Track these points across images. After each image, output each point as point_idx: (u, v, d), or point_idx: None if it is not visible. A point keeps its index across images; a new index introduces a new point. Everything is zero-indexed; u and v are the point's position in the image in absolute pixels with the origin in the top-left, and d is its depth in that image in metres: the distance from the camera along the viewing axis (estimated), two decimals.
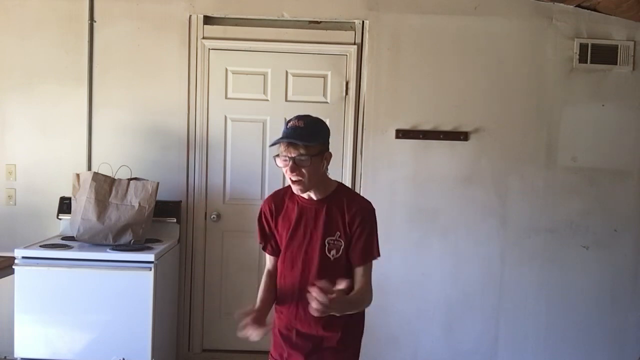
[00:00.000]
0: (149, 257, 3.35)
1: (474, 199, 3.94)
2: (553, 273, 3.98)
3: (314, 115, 2.20)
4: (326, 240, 2.15)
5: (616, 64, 3.89)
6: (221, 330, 4.08)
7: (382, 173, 3.93)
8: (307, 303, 1.95)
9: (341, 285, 1.95)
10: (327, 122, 4.09)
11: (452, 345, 4.01)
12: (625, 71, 3.91)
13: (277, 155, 2.13)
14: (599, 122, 3.94)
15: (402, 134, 3.91)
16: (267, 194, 3.91)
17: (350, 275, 2.15)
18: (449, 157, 3.92)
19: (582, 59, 3.89)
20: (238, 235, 4.04)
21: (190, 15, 3.90)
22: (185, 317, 4.04)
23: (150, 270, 3.33)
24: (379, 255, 2.22)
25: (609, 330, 4.01)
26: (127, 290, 3.34)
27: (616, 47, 3.89)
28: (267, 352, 4.18)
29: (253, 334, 2.08)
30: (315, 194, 2.18)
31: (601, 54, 3.88)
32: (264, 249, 2.34)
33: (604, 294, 4.00)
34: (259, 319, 2.12)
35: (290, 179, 2.11)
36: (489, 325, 4.00)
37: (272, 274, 2.34)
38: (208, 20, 3.94)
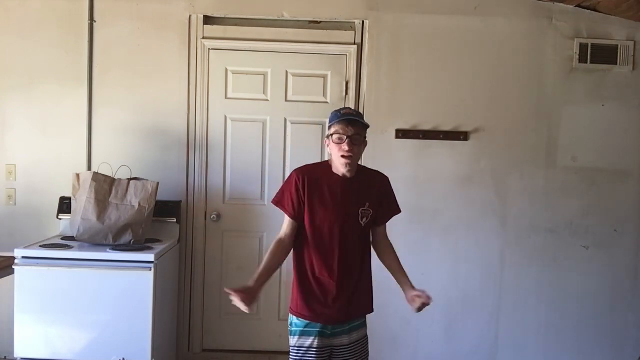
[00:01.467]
0: (149, 257, 3.35)
1: (474, 199, 3.95)
2: (553, 273, 3.98)
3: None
4: (359, 210, 2.50)
5: (616, 64, 3.89)
6: (221, 330, 4.08)
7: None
8: (349, 262, 2.49)
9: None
10: (327, 122, 4.15)
11: (452, 345, 4.01)
12: (625, 71, 3.91)
13: (330, 135, 2.46)
14: (599, 122, 3.94)
15: (402, 134, 3.91)
16: (267, 194, 3.99)
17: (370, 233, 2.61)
18: (449, 157, 3.93)
19: (582, 59, 3.89)
20: (238, 235, 4.04)
21: (190, 15, 3.90)
22: (185, 317, 4.04)
23: (150, 270, 3.33)
24: (400, 210, 2.68)
25: (609, 330, 4.01)
26: (127, 290, 3.34)
27: (616, 47, 3.89)
28: (267, 352, 4.19)
29: (242, 307, 2.30)
30: (350, 173, 2.48)
31: (601, 54, 3.88)
32: (285, 209, 2.52)
33: (604, 294, 4.00)
34: (250, 298, 2.33)
35: (342, 155, 2.42)
36: (489, 325, 4.00)
37: (284, 242, 2.51)
38: (208, 20, 3.94)
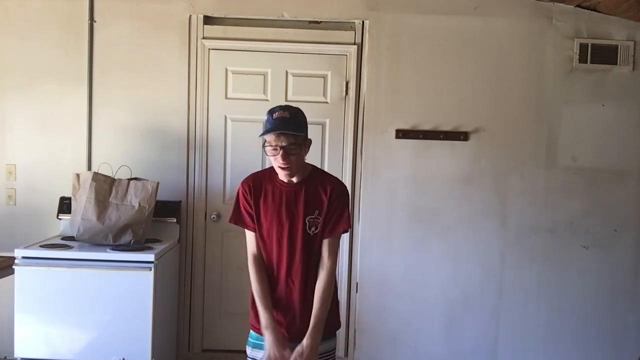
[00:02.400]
0: (149, 257, 3.35)
1: (474, 199, 3.95)
2: (553, 273, 3.98)
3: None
4: (307, 219, 2.35)
5: (616, 64, 3.89)
6: (221, 330, 4.08)
7: (382, 173, 3.93)
8: (296, 276, 2.35)
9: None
10: (327, 122, 4.17)
11: (452, 345, 4.01)
12: (625, 71, 3.91)
13: (264, 145, 2.31)
14: (599, 122, 3.94)
15: (402, 134, 3.91)
16: None
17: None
18: (449, 157, 3.92)
19: (582, 59, 3.89)
20: (238, 235, 3.98)
21: (190, 15, 3.90)
22: (185, 317, 4.04)
23: (150, 270, 3.33)
24: (348, 227, 2.41)
25: (609, 330, 4.01)
26: (127, 290, 3.34)
27: (616, 47, 3.89)
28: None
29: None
30: (296, 177, 2.37)
31: (601, 54, 3.88)
32: (244, 224, 2.44)
33: (604, 294, 4.00)
34: (284, 342, 2.30)
35: (279, 166, 2.30)
36: (489, 325, 4.00)
37: (260, 259, 2.43)
38: (208, 20, 3.94)
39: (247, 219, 2.44)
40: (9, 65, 3.92)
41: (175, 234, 3.87)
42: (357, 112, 3.94)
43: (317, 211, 2.36)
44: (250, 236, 2.46)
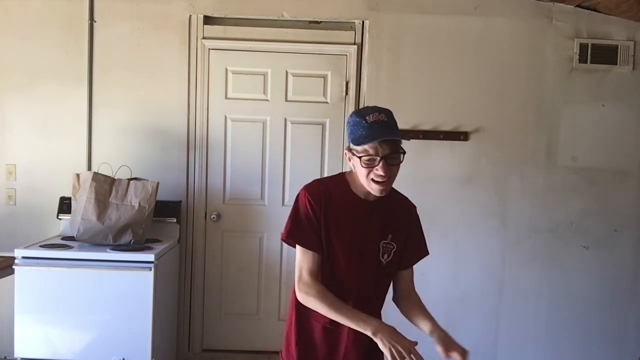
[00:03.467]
0: (149, 257, 3.35)
1: (474, 199, 3.94)
2: (553, 273, 3.98)
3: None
4: (381, 244, 1.99)
5: (616, 64, 3.89)
6: (221, 330, 4.08)
7: None
8: (366, 304, 1.96)
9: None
10: (327, 122, 4.16)
11: None
12: (625, 71, 3.91)
13: (352, 153, 1.90)
14: (599, 122, 3.94)
15: (402, 134, 3.89)
16: (267, 194, 3.99)
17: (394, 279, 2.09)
18: (449, 157, 3.92)
19: (582, 59, 3.88)
20: (238, 235, 4.04)
21: (190, 15, 3.90)
22: (185, 317, 4.04)
23: (150, 270, 3.32)
24: (428, 253, 2.15)
25: (609, 330, 4.01)
26: (127, 290, 3.34)
27: (616, 47, 3.89)
28: (267, 352, 4.18)
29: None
30: (374, 195, 1.96)
31: (601, 54, 3.88)
32: (308, 244, 1.95)
33: (604, 294, 3.99)
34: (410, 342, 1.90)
35: (376, 180, 1.88)
36: (489, 325, 4.00)
37: (317, 276, 1.97)
38: (208, 20, 3.94)
39: (313, 237, 1.95)
40: (9, 65, 3.92)
41: (175, 234, 3.87)
42: None
43: (390, 235, 2.00)
44: (309, 255, 1.97)
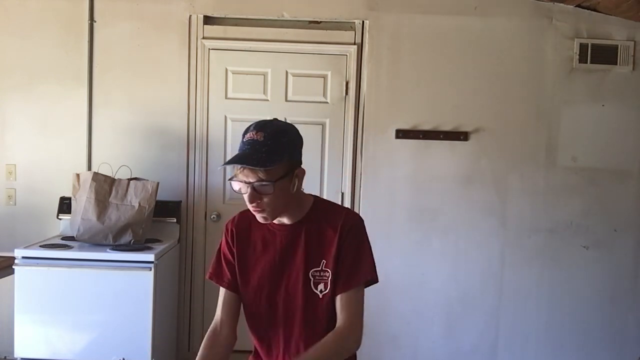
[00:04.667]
0: (149, 257, 3.35)
1: (474, 199, 3.94)
2: (553, 273, 3.98)
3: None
4: (310, 273, 1.72)
5: (616, 64, 3.89)
6: None
7: (382, 173, 3.93)
8: (294, 354, 1.72)
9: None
10: (327, 122, 4.15)
11: (452, 345, 4.01)
12: (625, 71, 3.91)
13: (232, 178, 1.68)
14: (599, 122, 3.93)
15: (402, 134, 3.90)
16: None
17: None
18: (449, 157, 3.92)
19: (582, 59, 3.88)
20: None
21: (190, 15, 3.90)
22: (185, 317, 4.04)
23: (150, 270, 3.32)
24: (372, 276, 1.77)
25: (609, 330, 4.01)
26: (127, 290, 3.34)
27: (616, 47, 3.88)
28: None
29: None
30: (289, 219, 1.76)
31: (601, 54, 3.87)
32: (219, 280, 1.84)
33: (604, 294, 3.99)
34: None
35: (251, 208, 1.70)
36: (489, 325, 4.00)
37: (219, 333, 1.89)
38: (208, 20, 3.94)
39: (224, 271, 1.81)
40: (9, 65, 3.92)
41: (175, 234, 3.87)
42: (357, 112, 3.94)
43: (324, 261, 1.72)
44: (221, 295, 1.85)
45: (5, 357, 3.77)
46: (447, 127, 3.91)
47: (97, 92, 3.92)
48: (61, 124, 3.93)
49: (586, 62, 3.88)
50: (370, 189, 3.91)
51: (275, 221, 1.75)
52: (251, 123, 1.71)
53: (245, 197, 1.66)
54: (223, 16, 3.94)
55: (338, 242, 1.73)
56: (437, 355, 4.03)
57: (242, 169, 1.63)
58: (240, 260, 1.79)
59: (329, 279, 1.71)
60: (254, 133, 1.65)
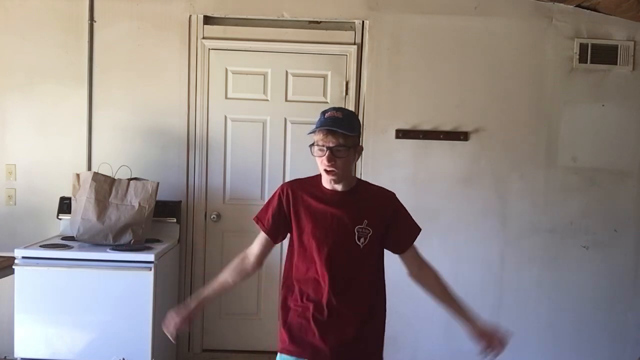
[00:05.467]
0: (149, 257, 3.35)
1: (474, 199, 3.94)
2: (553, 273, 3.98)
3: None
4: (355, 229, 2.16)
5: (616, 64, 3.89)
6: (221, 330, 4.08)
7: (382, 173, 3.93)
8: (342, 293, 2.13)
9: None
10: None
11: (452, 345, 4.00)
12: (625, 71, 3.91)
13: (313, 144, 2.13)
14: (599, 122, 3.94)
15: (402, 134, 3.91)
16: (267, 194, 3.98)
17: (378, 266, 2.25)
18: (449, 157, 3.92)
19: (582, 59, 3.89)
20: (238, 235, 4.04)
21: (190, 15, 3.90)
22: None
23: (150, 270, 3.33)
24: (420, 228, 2.30)
25: (609, 330, 4.01)
26: (127, 290, 3.34)
27: (616, 47, 3.89)
28: (267, 352, 4.17)
29: (170, 336, 2.20)
30: (343, 186, 2.19)
31: (601, 54, 3.88)
32: (262, 225, 2.27)
33: (604, 294, 4.00)
34: (184, 323, 2.20)
35: (324, 169, 2.13)
36: None
37: (247, 261, 2.30)
38: (208, 20, 3.94)
39: (267, 219, 2.25)
40: (9, 65, 3.92)
41: (175, 234, 3.87)
42: (357, 112, 3.94)
43: (366, 221, 2.16)
44: (260, 238, 2.30)
45: (5, 357, 3.77)
46: (447, 127, 3.91)
47: (97, 92, 3.92)
48: (61, 124, 3.93)
49: (586, 62, 3.89)
50: None
51: (329, 187, 2.18)
52: (327, 107, 2.19)
53: (324, 159, 2.09)
54: (223, 16, 3.94)
55: (385, 209, 2.21)
56: (437, 355, 4.03)
57: (326, 134, 2.07)
58: (296, 216, 2.20)
59: (369, 234, 2.16)
60: (334, 112, 2.14)
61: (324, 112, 2.16)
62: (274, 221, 2.24)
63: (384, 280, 2.31)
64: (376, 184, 2.36)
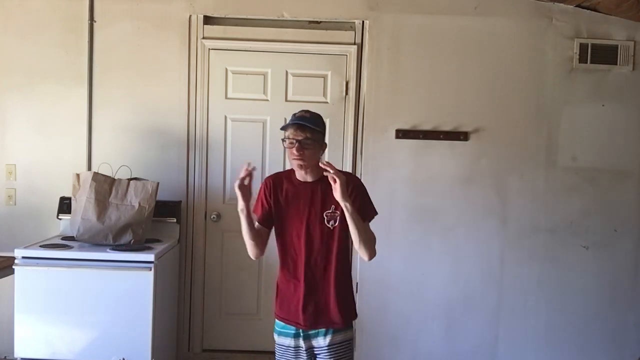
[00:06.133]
0: (149, 257, 3.35)
1: (474, 199, 3.95)
2: (553, 273, 3.98)
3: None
4: (324, 214, 2.49)
5: (616, 64, 3.89)
6: (221, 330, 4.08)
7: (382, 173, 3.93)
8: (316, 268, 2.49)
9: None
10: (327, 122, 4.15)
11: (452, 345, 4.01)
12: (625, 71, 3.91)
13: (284, 139, 2.46)
14: (599, 122, 3.94)
15: (402, 134, 3.91)
16: None
17: (348, 243, 2.54)
18: (449, 157, 3.93)
19: (582, 59, 3.89)
20: (238, 235, 3.95)
21: (190, 15, 3.90)
22: (185, 317, 4.04)
23: (150, 270, 3.33)
24: (375, 212, 2.57)
25: (609, 330, 4.01)
26: (127, 290, 3.34)
27: (616, 47, 3.89)
28: (267, 352, 4.18)
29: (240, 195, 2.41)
30: (311, 176, 2.51)
31: (601, 54, 3.88)
32: (255, 212, 2.58)
33: (603, 294, 4.00)
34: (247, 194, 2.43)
35: (294, 159, 2.46)
36: (489, 325, 4.00)
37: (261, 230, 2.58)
38: (208, 20, 3.94)
39: (259, 209, 2.58)
40: (9, 65, 3.92)
41: (175, 234, 3.87)
42: (357, 112, 3.95)
43: (333, 206, 2.47)
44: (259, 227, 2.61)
45: (5, 357, 3.77)
46: (447, 127, 3.91)
47: (97, 92, 3.92)
48: (61, 124, 3.93)
49: (586, 62, 3.89)
50: (370, 189, 3.87)
51: (300, 179, 2.53)
52: (297, 111, 2.52)
53: (293, 150, 2.42)
54: (223, 16, 3.94)
55: (350, 191, 2.41)
56: (437, 355, 4.03)
57: (296, 129, 2.41)
58: (276, 204, 2.54)
59: (338, 217, 2.47)
60: (303, 112, 2.50)
61: (294, 113, 2.52)
62: (263, 210, 2.57)
63: (350, 247, 2.58)
64: (344, 171, 2.69)
